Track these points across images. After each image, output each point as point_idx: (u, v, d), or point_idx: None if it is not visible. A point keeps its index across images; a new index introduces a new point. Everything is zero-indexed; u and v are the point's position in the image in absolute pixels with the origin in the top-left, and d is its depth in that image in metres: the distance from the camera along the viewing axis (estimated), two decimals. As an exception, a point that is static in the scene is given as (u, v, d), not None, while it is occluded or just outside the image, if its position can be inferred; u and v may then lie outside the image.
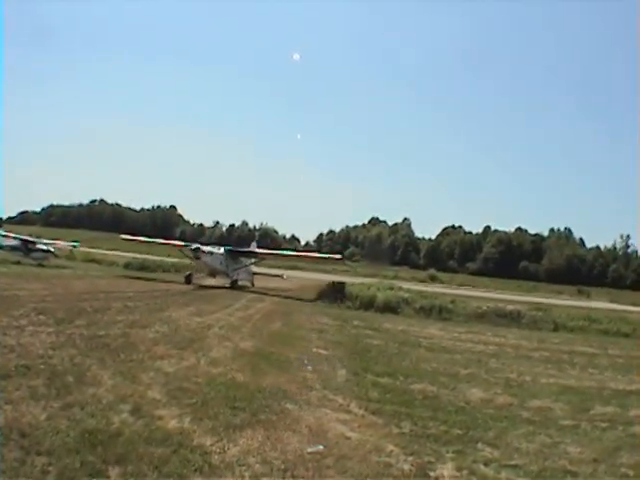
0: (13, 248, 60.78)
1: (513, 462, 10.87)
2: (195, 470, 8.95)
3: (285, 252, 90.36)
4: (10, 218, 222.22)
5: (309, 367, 18.30)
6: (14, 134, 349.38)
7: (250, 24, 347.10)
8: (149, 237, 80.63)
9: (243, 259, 66.41)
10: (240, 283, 62.38)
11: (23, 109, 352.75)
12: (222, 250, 61.65)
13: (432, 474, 9.85)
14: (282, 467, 9.47)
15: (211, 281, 60.07)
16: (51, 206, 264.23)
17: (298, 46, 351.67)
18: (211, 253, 59.40)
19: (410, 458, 10.46)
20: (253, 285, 67.60)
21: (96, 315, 23.67)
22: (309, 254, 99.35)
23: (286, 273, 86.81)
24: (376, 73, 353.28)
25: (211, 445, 10.10)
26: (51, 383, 12.70)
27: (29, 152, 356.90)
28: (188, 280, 57.82)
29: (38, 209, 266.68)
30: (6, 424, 9.85)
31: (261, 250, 75.13)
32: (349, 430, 11.94)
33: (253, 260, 69.56)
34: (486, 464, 10.60)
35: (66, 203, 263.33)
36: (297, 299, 48.25)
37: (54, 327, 19.48)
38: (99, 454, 9.09)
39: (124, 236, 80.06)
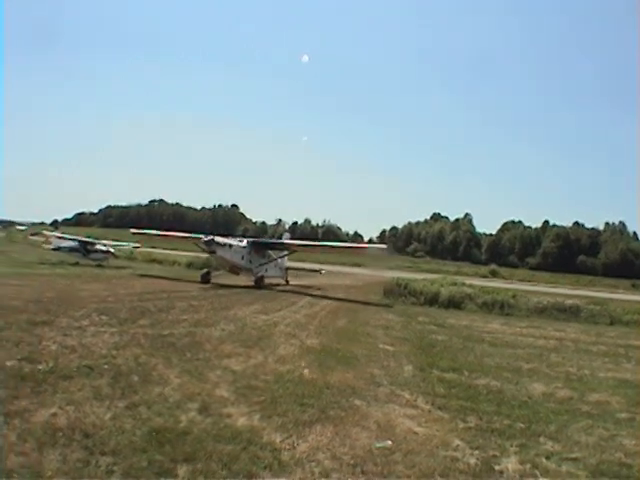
0: (71, 249, 60.47)
1: (573, 455, 10.88)
2: (265, 467, 8.85)
3: (322, 243, 72.97)
4: (66, 220, 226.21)
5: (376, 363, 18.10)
6: (67, 136, 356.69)
7: (306, 24, 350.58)
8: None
9: (271, 253, 56.88)
10: (268, 280, 53.19)
11: (73, 109, 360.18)
12: (244, 242, 52.58)
13: (497, 467, 9.87)
14: (351, 462, 9.43)
15: (232, 279, 51.11)
16: (108, 207, 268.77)
17: (356, 46, 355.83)
18: (229, 246, 49.97)
19: (476, 452, 10.50)
20: (287, 282, 59.23)
21: (160, 314, 23.75)
22: (351, 245, 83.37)
23: (351, 270, 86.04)
24: (429, 71, 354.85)
25: (281, 442, 10.03)
26: (115, 383, 12.63)
27: (83, 154, 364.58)
28: (205, 279, 48.98)
29: (95, 210, 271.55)
30: (69, 424, 9.76)
31: (291, 241, 63.24)
32: (416, 425, 11.91)
33: (284, 253, 59.65)
34: (548, 457, 10.62)
35: (124, 204, 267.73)
36: (360, 302, 47.24)
37: (117, 327, 19.51)
38: (167, 453, 8.99)
39: (133, 230, 69.95)
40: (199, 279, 48.24)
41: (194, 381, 13.51)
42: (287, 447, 9.79)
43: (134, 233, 68.81)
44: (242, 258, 50.78)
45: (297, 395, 13.07)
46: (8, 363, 13.32)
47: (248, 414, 11.36)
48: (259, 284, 49.35)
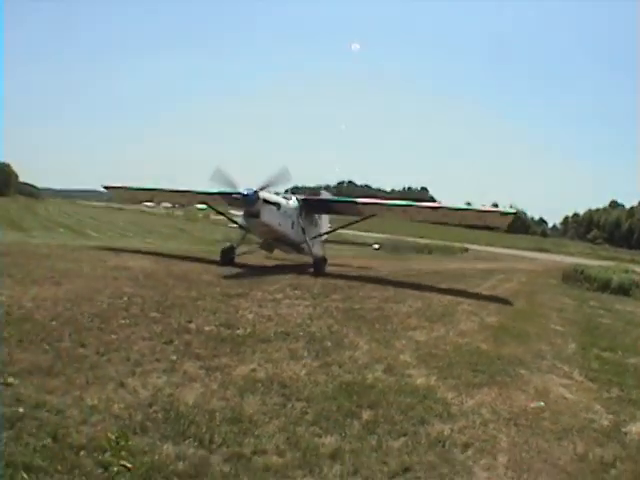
0: None
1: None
2: (436, 416, 10.12)
3: (401, 202, 36.49)
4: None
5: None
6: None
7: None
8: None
9: (318, 219, 37.46)
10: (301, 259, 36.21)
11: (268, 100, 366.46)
12: (293, 201, 33.32)
13: (623, 429, 10.92)
14: (507, 417, 10.66)
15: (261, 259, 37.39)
16: (295, 187, 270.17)
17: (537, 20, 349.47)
18: (277, 206, 30.99)
19: (610, 416, 11.56)
20: (324, 262, 33.67)
21: (351, 290, 24.92)
22: (455, 207, 36.42)
23: (533, 255, 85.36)
24: (610, 55, 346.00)
25: (452, 398, 11.24)
26: (310, 347, 14.00)
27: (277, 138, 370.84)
28: (227, 257, 31.76)
29: (281, 191, 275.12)
30: (267, 377, 11.18)
31: (364, 200, 35.15)
32: (568, 392, 12.99)
33: (344, 222, 39.80)
34: (667, 427, 11.55)
35: (311, 185, 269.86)
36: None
37: (310, 300, 20.86)
38: (354, 401, 10.28)
39: (105, 184, 41.84)
40: (220, 258, 32.00)
41: (381, 348, 14.74)
42: (456, 403, 10.99)
43: (106, 187, 42.10)
44: (292, 226, 32.69)
45: (471, 363, 14.12)
46: (206, 328, 14.81)
47: (426, 375, 12.53)
48: (319, 269, 31.87)
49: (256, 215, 29.81)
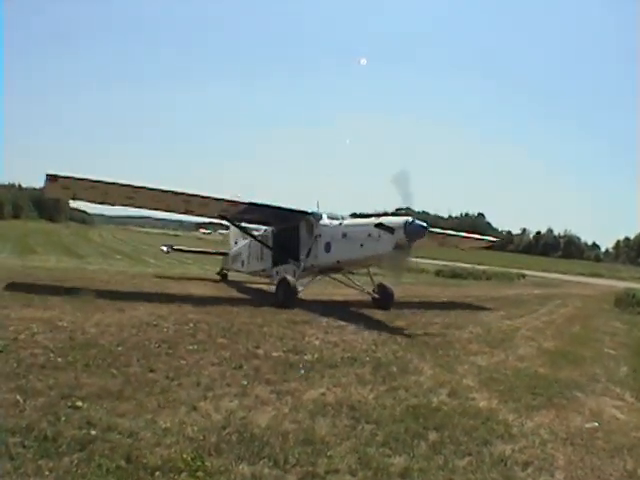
0: None
1: None
2: (497, 437, 10.55)
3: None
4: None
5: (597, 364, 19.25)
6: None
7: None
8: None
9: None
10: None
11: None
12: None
13: None
14: (564, 436, 11.06)
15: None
16: (353, 214, 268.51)
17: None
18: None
19: None
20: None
21: (414, 317, 25.57)
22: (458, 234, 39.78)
23: (587, 280, 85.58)
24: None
25: (512, 420, 11.65)
26: (376, 372, 14.47)
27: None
28: (290, 293, 25.28)
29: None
30: (336, 401, 11.65)
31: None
32: (619, 413, 13.38)
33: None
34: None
35: (368, 211, 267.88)
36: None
37: (376, 327, 21.40)
38: (420, 423, 10.74)
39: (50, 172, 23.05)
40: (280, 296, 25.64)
41: (445, 372, 15.18)
42: (517, 424, 11.42)
43: (50, 175, 23.17)
44: None
45: (530, 386, 14.53)
46: (274, 354, 15.32)
47: (488, 399, 13.01)
48: (389, 302, 27.96)
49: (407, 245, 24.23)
